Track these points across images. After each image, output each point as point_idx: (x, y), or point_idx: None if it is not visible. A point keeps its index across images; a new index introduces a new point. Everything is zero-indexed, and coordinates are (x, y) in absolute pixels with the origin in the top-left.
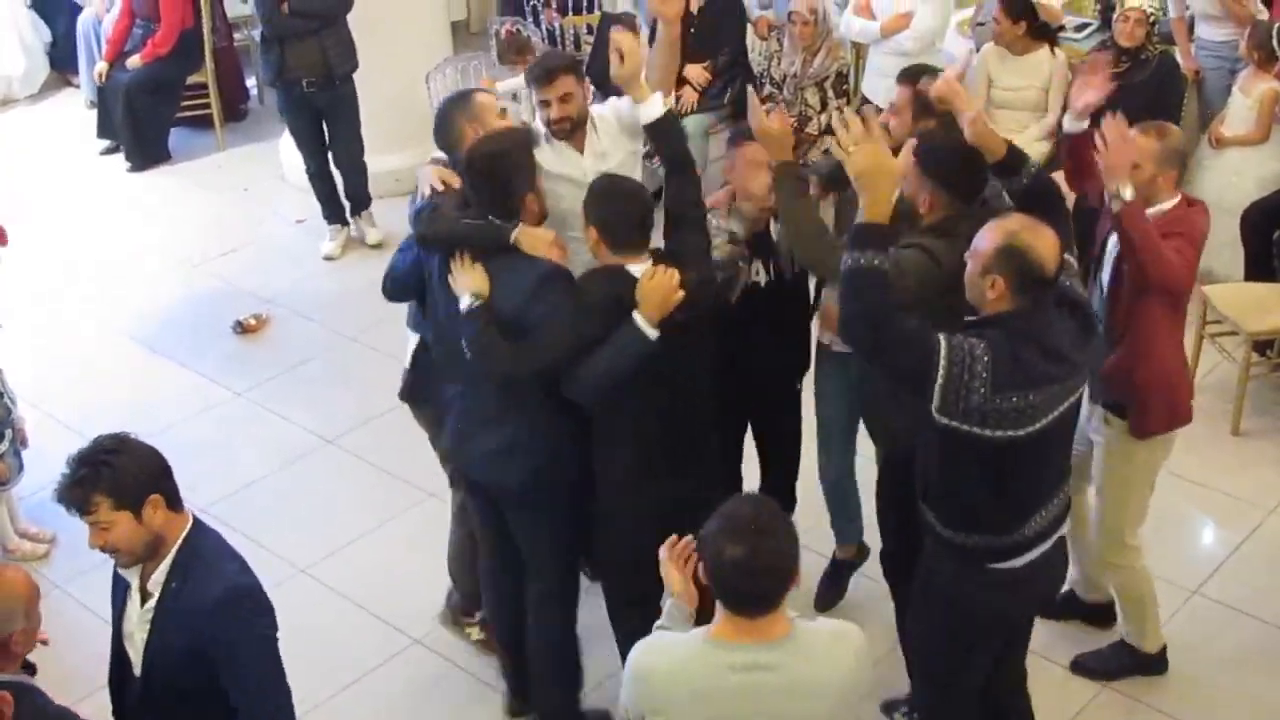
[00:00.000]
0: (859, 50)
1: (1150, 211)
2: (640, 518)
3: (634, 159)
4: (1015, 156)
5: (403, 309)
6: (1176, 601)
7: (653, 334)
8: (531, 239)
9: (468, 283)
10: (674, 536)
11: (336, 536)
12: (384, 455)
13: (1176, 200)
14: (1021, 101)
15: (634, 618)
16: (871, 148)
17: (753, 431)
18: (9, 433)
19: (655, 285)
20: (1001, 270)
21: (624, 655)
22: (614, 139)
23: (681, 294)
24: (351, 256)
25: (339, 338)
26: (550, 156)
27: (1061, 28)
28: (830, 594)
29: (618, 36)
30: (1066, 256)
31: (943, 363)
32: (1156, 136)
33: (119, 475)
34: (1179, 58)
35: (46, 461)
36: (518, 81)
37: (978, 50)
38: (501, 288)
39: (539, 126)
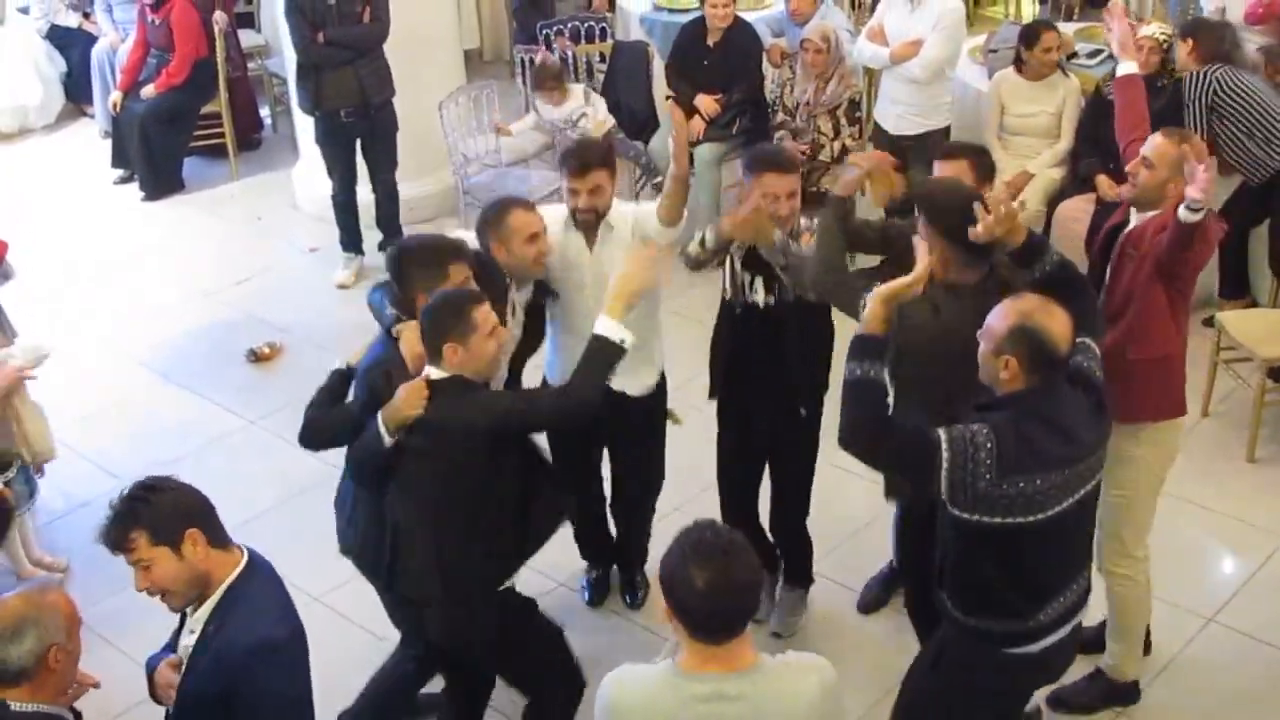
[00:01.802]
0: (871, 78)
1: (1154, 213)
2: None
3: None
4: (1035, 244)
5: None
6: (1192, 629)
7: (386, 439)
8: (406, 341)
9: (349, 355)
10: None
11: (349, 565)
12: None
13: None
14: (1034, 128)
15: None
16: (915, 277)
17: (769, 462)
18: (18, 460)
19: (401, 394)
20: (1014, 350)
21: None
22: (622, 246)
23: (416, 414)
24: (367, 286)
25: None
26: (563, 243)
27: (1074, 54)
28: (878, 596)
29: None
30: (1087, 340)
31: (945, 456)
32: (1177, 141)
33: (155, 510)
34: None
35: (60, 489)
36: (531, 120)
37: (989, 77)
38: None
39: (564, 211)
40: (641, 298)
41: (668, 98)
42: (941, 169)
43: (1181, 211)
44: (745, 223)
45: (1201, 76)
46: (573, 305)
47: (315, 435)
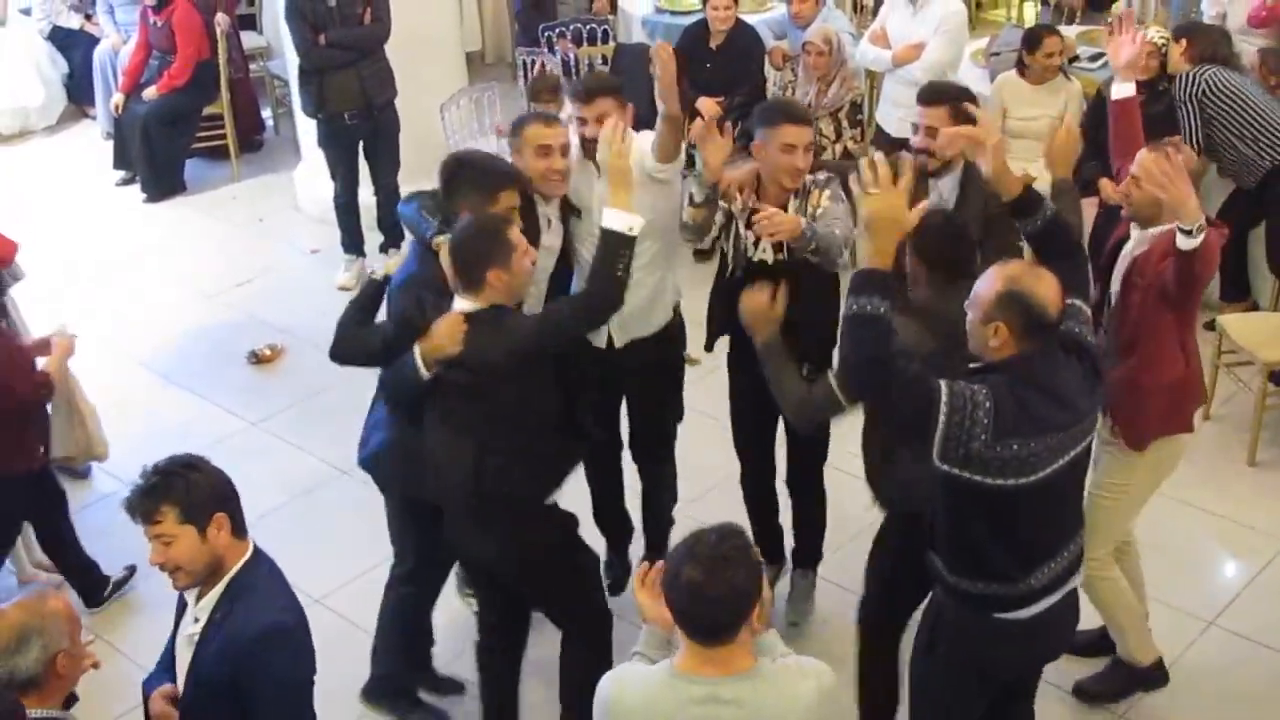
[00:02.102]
0: (873, 80)
1: (1153, 231)
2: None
3: (658, 189)
4: (1031, 198)
5: None
6: (1193, 632)
7: (422, 372)
8: (444, 254)
9: (384, 264)
10: (644, 564)
11: (352, 567)
12: None
13: None
14: (1037, 131)
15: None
16: (890, 197)
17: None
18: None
19: (437, 329)
20: (1003, 316)
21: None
22: (642, 184)
23: (457, 349)
24: None
25: (354, 369)
26: (579, 170)
27: (1076, 58)
28: None
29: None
30: (1077, 302)
31: (944, 409)
32: (1164, 157)
33: (189, 488)
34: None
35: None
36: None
37: (991, 80)
38: (400, 269)
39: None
40: (628, 172)
41: None
42: (923, 115)
43: (1179, 239)
44: (781, 227)
45: (1191, 77)
46: (579, 231)
47: (345, 351)
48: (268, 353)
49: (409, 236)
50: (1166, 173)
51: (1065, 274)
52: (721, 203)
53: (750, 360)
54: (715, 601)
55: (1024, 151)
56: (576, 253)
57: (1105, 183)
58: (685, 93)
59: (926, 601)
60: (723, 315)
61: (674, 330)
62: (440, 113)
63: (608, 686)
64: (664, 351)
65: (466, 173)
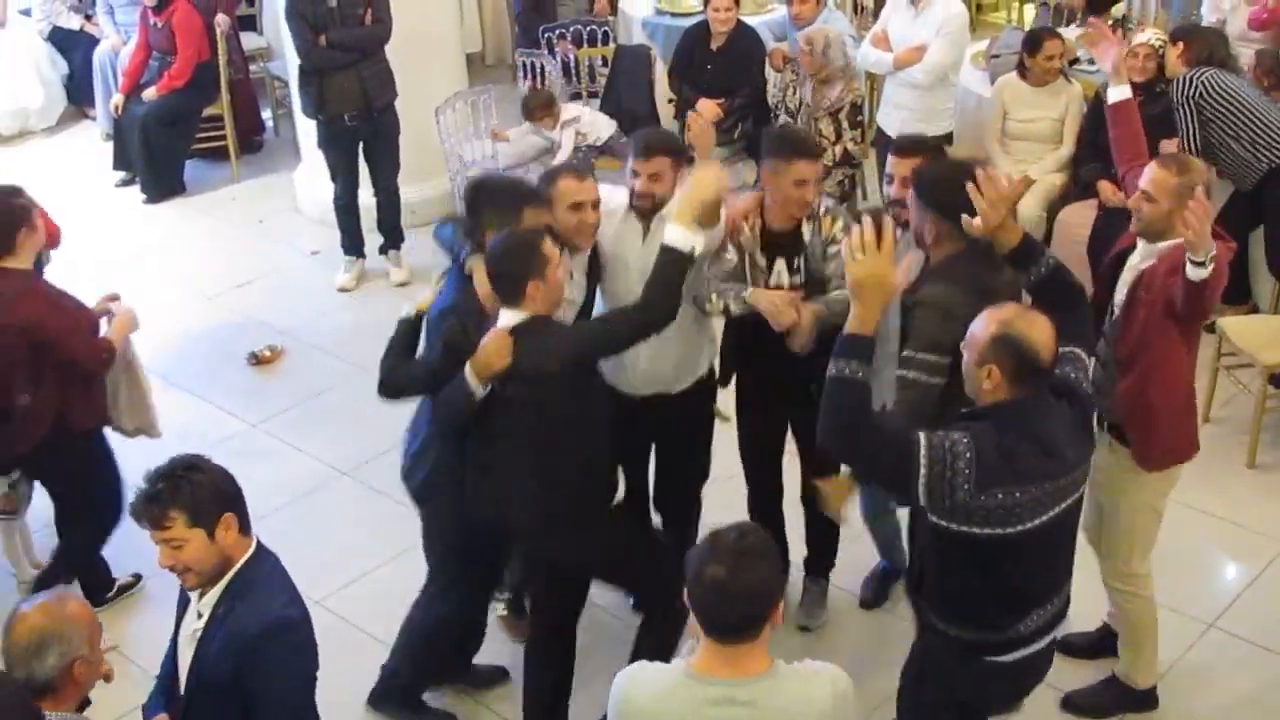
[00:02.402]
0: (874, 82)
1: (1161, 246)
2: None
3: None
4: (1030, 247)
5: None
6: (1192, 635)
7: (475, 390)
8: (480, 276)
9: (419, 298)
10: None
11: (352, 568)
12: (398, 487)
13: None
14: (1037, 133)
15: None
16: (876, 261)
17: (793, 433)
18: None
19: (486, 346)
20: (996, 359)
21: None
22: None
23: (506, 363)
24: (368, 289)
25: (354, 369)
26: (620, 226)
27: (1076, 60)
28: (877, 591)
29: (697, 128)
30: (1076, 349)
31: (923, 461)
32: (1176, 171)
33: (197, 492)
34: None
35: None
36: (528, 128)
37: (992, 82)
38: (437, 300)
39: (626, 198)
40: (708, 207)
41: (670, 100)
42: (897, 165)
43: (1189, 270)
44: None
45: (1188, 80)
46: (616, 287)
47: (394, 386)
48: (267, 354)
49: (440, 268)
50: (1198, 215)
51: (1067, 324)
52: (729, 245)
53: (757, 404)
54: (739, 598)
55: (1024, 153)
56: (605, 303)
57: (1105, 185)
58: (686, 94)
59: (915, 637)
60: (739, 348)
61: (703, 388)
62: (435, 116)
63: (622, 685)
64: (688, 408)
65: (486, 193)
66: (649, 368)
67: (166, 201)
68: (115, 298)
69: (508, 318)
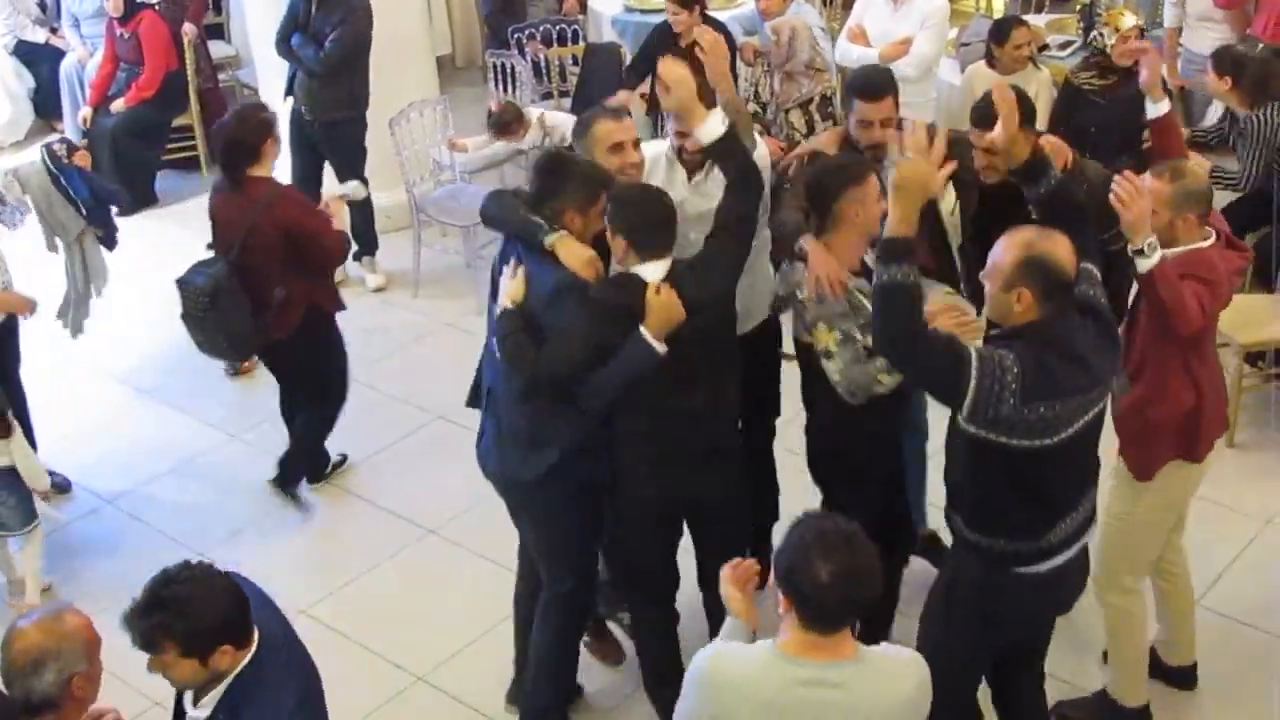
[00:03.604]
0: (846, 73)
1: (1169, 252)
2: (658, 515)
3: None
4: (1039, 162)
5: (396, 349)
6: None
7: (660, 348)
8: (568, 250)
9: (508, 289)
10: (736, 560)
11: (336, 576)
12: (381, 493)
13: (1206, 243)
14: None
15: (651, 616)
16: (922, 163)
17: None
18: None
19: (660, 303)
20: (1026, 282)
21: (644, 653)
22: (714, 174)
23: (683, 313)
24: (345, 295)
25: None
26: (666, 174)
27: (1045, 46)
28: None
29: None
30: (1087, 265)
31: (974, 374)
32: (1170, 179)
33: (191, 625)
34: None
35: (43, 510)
36: (483, 140)
37: (962, 70)
38: (531, 288)
39: (666, 145)
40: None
41: (642, 96)
42: (870, 110)
43: (1135, 260)
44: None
45: (1265, 121)
46: None
47: (548, 377)
48: (246, 364)
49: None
50: (1130, 192)
51: (1074, 240)
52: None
53: None
54: (851, 589)
55: None
56: None
57: None
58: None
59: (943, 568)
60: None
61: (769, 328)
62: (390, 128)
63: (704, 664)
64: (758, 350)
65: (574, 171)
66: None
67: (138, 214)
68: (340, 198)
69: (655, 269)
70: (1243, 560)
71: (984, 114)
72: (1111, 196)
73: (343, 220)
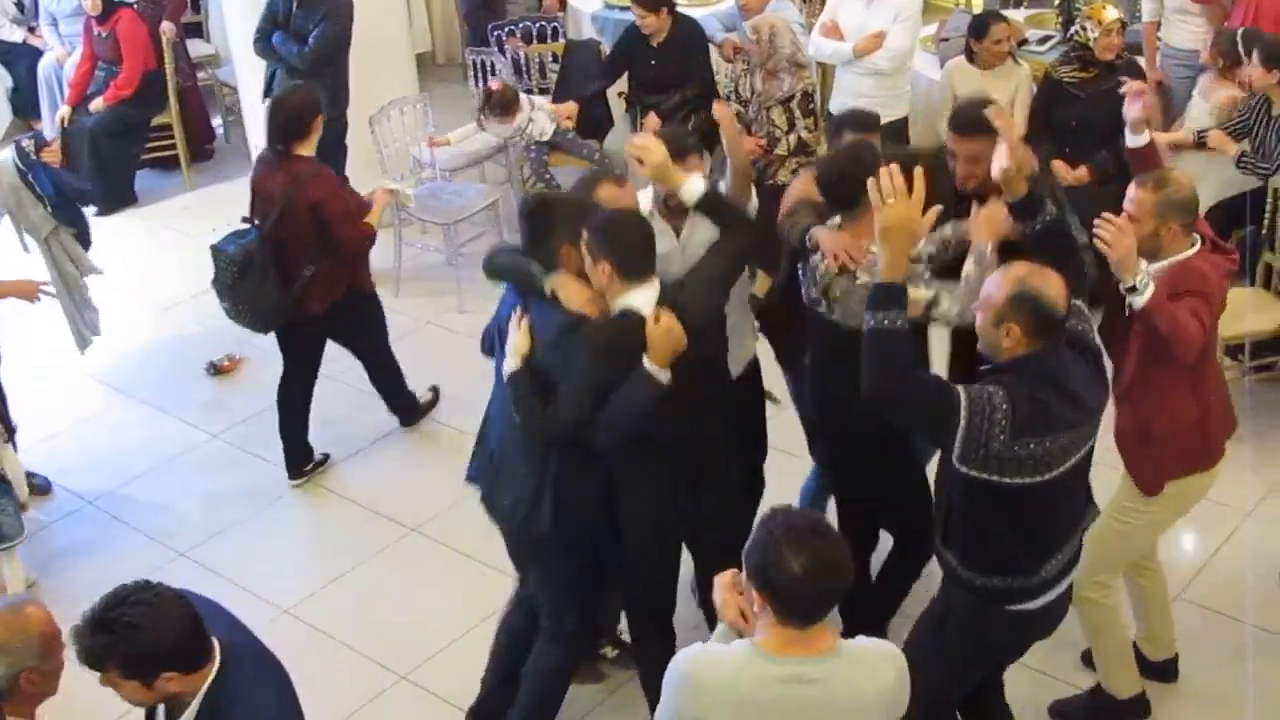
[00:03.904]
0: (825, 69)
1: (1155, 267)
2: (663, 538)
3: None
4: (1035, 198)
5: None
6: None
7: (664, 377)
8: (568, 291)
9: (514, 343)
10: (732, 571)
11: (318, 576)
12: (363, 492)
13: (1192, 250)
14: None
15: (652, 636)
16: (905, 207)
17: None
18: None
19: (660, 332)
20: (1015, 317)
21: (646, 676)
22: (707, 232)
23: (684, 339)
24: None
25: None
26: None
27: (1025, 41)
28: None
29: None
30: (1078, 302)
31: (964, 413)
32: (1154, 189)
33: (131, 651)
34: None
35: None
36: (472, 129)
37: (942, 65)
38: (536, 335)
39: (649, 203)
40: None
41: (620, 94)
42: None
43: (1130, 299)
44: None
45: None
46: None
47: (561, 429)
48: (226, 364)
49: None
50: (1113, 232)
51: (1064, 273)
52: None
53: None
54: (829, 581)
55: None
56: None
57: (1059, 164)
58: (632, 90)
59: (938, 589)
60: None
61: (753, 372)
62: (370, 126)
63: (684, 666)
64: (743, 393)
65: (560, 207)
66: None
67: (118, 213)
68: (389, 190)
69: (645, 295)
70: (1224, 553)
71: (963, 120)
72: (1096, 241)
73: (381, 212)
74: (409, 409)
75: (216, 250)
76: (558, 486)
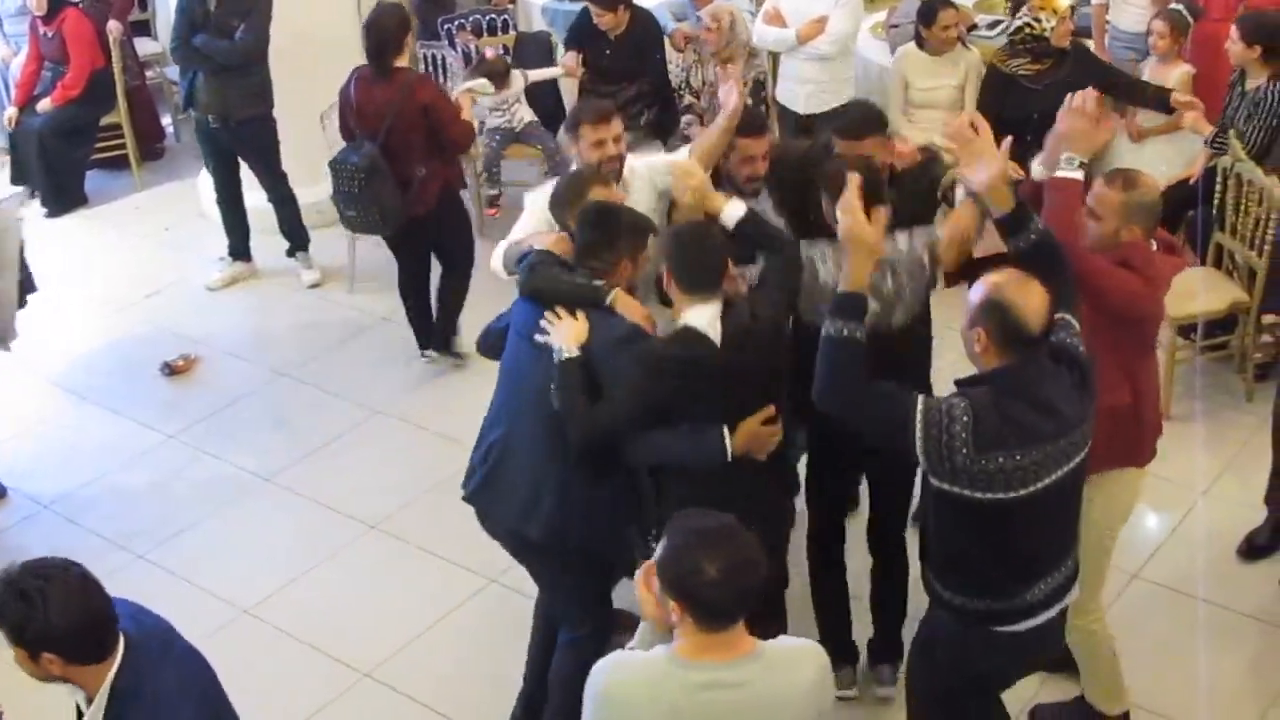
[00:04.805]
0: (775, 58)
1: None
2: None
3: (657, 215)
4: (1023, 214)
5: (334, 344)
6: (1118, 585)
7: (729, 455)
8: (627, 306)
9: (568, 333)
10: (647, 565)
11: (279, 575)
12: (322, 490)
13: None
14: (939, 101)
15: None
16: (858, 227)
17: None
18: None
19: (757, 433)
20: (984, 323)
21: None
22: (644, 193)
23: (777, 440)
24: (280, 292)
25: (271, 375)
26: (638, 189)
27: (974, 26)
28: None
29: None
30: (1067, 316)
31: (919, 425)
32: (1122, 187)
33: (22, 622)
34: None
35: None
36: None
37: (892, 52)
38: (593, 334)
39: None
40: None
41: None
42: (751, 146)
43: (1034, 167)
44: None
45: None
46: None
47: (602, 435)
48: (181, 363)
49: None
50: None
51: (1053, 290)
52: None
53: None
54: (742, 584)
55: (927, 122)
56: None
57: (1012, 165)
58: (585, 81)
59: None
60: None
61: None
62: (321, 122)
63: (602, 677)
64: None
65: (623, 220)
66: None
67: (69, 214)
68: (467, 91)
69: (705, 313)
70: (1179, 531)
71: (849, 123)
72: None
73: (470, 112)
74: (447, 339)
75: (338, 163)
76: (560, 492)
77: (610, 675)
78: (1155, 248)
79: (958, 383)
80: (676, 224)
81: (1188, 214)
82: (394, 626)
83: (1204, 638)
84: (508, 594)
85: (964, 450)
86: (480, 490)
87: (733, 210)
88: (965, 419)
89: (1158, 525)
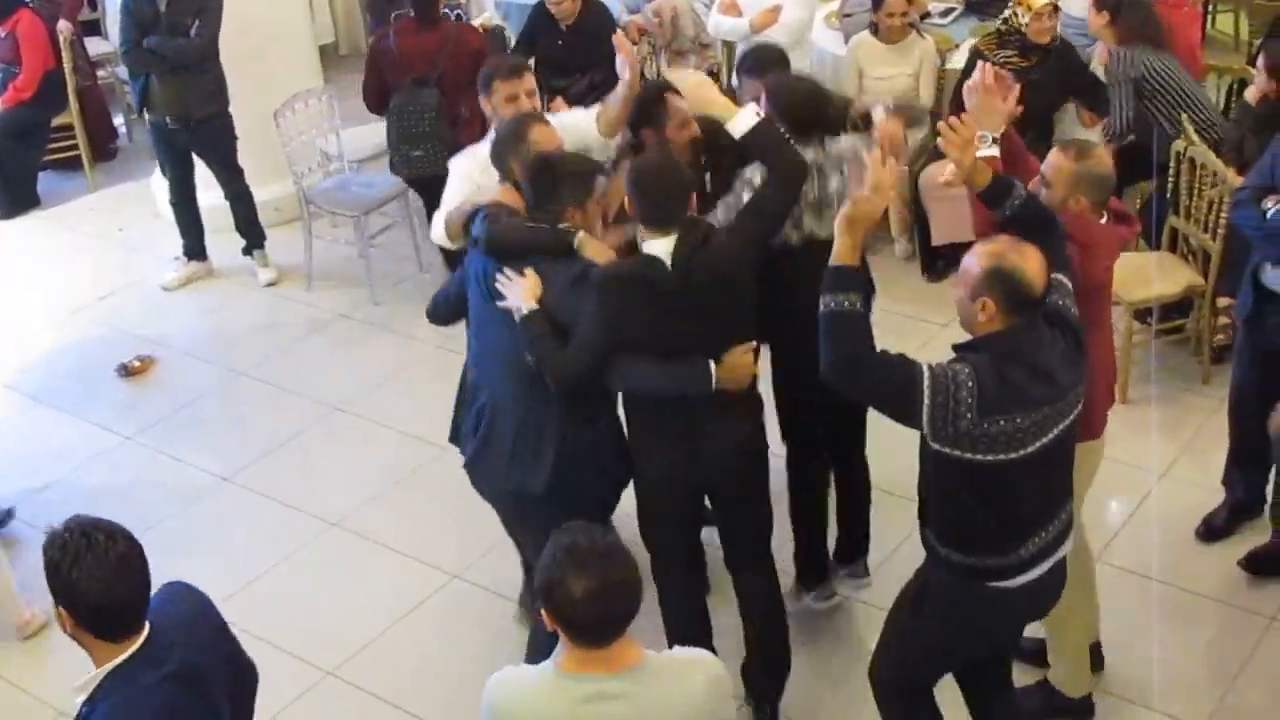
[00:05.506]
0: (730, 49)
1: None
2: (675, 478)
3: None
4: (1002, 185)
5: (292, 342)
6: None
7: (713, 386)
8: (592, 247)
9: (522, 290)
10: None
11: (241, 574)
12: (282, 489)
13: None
14: (894, 90)
15: (679, 577)
16: (879, 201)
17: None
18: None
19: (738, 365)
20: (990, 292)
21: (669, 620)
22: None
23: (750, 379)
24: (237, 291)
25: (229, 374)
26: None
27: (927, 14)
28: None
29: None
30: (1060, 277)
31: (927, 391)
32: (1074, 157)
33: (52, 569)
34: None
35: None
36: None
37: (846, 42)
38: (547, 285)
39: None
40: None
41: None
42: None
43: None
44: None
45: (1128, 58)
46: None
47: (573, 377)
48: (138, 365)
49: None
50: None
51: (1044, 250)
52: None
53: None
54: (607, 605)
55: None
56: None
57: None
58: (538, 72)
59: (920, 565)
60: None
61: None
62: (275, 119)
63: (491, 690)
64: None
65: (564, 168)
66: None
67: (21, 217)
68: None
69: (667, 244)
70: (1139, 515)
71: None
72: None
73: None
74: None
75: (403, 105)
76: (558, 441)
77: (496, 690)
78: (1105, 218)
79: (956, 348)
80: (639, 158)
81: (1139, 182)
82: (357, 624)
83: (1164, 620)
84: (471, 589)
85: (969, 415)
86: (477, 457)
87: (744, 119)
88: (970, 384)
89: (1116, 509)
